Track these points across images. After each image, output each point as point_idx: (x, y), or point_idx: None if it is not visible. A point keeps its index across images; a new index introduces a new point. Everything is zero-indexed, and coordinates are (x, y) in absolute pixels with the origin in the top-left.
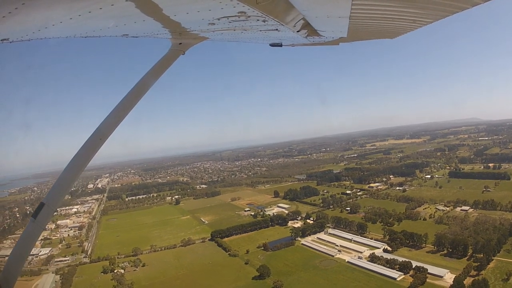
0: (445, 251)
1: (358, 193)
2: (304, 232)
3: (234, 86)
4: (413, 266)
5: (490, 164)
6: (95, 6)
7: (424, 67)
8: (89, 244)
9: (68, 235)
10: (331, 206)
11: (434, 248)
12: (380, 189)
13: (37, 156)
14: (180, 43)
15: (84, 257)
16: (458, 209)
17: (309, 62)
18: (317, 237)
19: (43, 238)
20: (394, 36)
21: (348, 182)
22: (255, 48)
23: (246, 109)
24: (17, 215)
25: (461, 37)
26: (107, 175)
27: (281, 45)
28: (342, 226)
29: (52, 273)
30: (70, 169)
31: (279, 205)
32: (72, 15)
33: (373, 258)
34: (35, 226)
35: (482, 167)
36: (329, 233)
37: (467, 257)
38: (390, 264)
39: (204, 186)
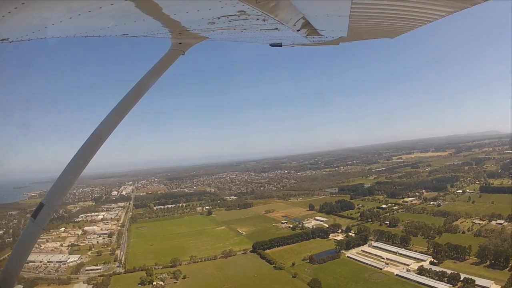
0: (488, 263)
1: (394, 207)
2: (348, 245)
3: (250, 96)
4: (461, 278)
5: None
6: (95, 5)
7: (442, 79)
8: (122, 253)
9: (97, 242)
10: (369, 220)
11: (478, 259)
12: (415, 203)
13: (50, 158)
14: (180, 43)
15: (117, 266)
16: (494, 222)
17: (329, 75)
18: (361, 250)
19: (70, 244)
20: (394, 35)
21: (381, 197)
22: (273, 56)
23: (266, 119)
24: None
25: (479, 49)
26: (131, 182)
27: (281, 45)
28: (384, 239)
29: (84, 282)
30: (70, 169)
31: (316, 218)
32: (72, 14)
33: (421, 271)
34: (35, 226)
35: (511, 181)
36: (373, 246)
37: (509, 268)
38: (439, 276)
39: (233, 197)
